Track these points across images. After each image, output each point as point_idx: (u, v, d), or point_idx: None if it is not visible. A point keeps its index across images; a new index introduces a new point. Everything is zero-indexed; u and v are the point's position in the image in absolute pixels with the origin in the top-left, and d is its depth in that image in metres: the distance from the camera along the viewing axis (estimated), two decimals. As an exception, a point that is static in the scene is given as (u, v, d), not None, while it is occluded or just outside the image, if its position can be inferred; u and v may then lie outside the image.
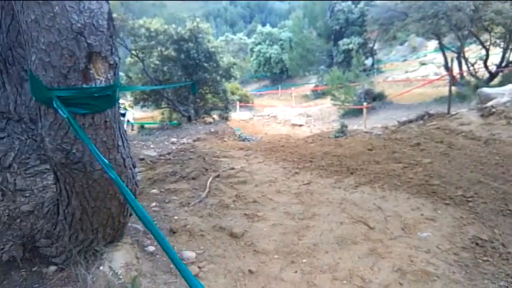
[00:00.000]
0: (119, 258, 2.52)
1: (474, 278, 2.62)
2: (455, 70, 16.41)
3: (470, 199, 3.79)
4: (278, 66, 34.44)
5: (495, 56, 16.29)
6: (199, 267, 2.78)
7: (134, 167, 2.53)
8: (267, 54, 34.49)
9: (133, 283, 2.31)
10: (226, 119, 13.76)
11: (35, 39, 1.81)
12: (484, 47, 15.79)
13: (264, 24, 42.90)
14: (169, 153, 6.34)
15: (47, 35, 1.78)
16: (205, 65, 12.46)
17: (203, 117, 13.21)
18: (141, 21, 12.42)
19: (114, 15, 11.55)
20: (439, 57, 21.37)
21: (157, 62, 12.73)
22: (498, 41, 15.45)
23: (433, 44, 24.96)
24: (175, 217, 3.56)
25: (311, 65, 29.69)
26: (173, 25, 12.61)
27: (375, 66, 28.74)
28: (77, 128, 1.88)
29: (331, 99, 17.23)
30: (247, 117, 18.47)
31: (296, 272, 2.77)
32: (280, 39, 34.72)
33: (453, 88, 12.81)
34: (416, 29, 16.92)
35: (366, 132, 8.20)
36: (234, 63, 13.80)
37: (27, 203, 2.52)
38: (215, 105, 13.98)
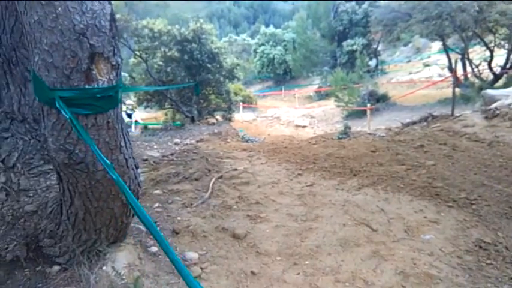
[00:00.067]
0: (122, 259, 2.52)
1: (477, 281, 2.60)
2: (460, 71, 16.35)
3: (473, 202, 3.77)
4: (281, 67, 34.44)
5: (500, 57, 16.21)
6: (201, 268, 2.77)
7: (137, 167, 2.53)
8: (271, 55, 34.50)
9: (136, 283, 2.31)
10: (230, 120, 13.76)
11: (37, 40, 1.82)
12: (488, 48, 15.71)
13: (267, 25, 42.93)
14: (172, 154, 6.35)
15: (49, 36, 1.78)
16: (209, 65, 12.48)
17: (206, 118, 13.22)
18: (144, 22, 12.44)
19: (118, 15, 11.63)
20: (443, 59, 21.30)
21: (160, 63, 12.76)
22: (503, 42, 15.36)
23: (437, 45, 24.91)
24: (178, 218, 3.56)
25: (314, 66, 29.67)
26: (177, 26, 12.64)
27: (379, 67, 28.69)
28: (79, 129, 1.88)
29: (335, 101, 17.21)
30: (251, 118, 18.49)
31: (298, 273, 2.77)
32: (284, 40, 34.72)
33: (457, 90, 12.75)
34: (420, 30, 16.87)
35: (369, 133, 8.18)
36: (238, 64, 13.81)
37: (30, 203, 2.53)
38: (218, 106, 13.99)
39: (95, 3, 1.83)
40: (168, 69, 12.55)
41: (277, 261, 2.94)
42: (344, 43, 27.32)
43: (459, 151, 5.48)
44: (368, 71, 20.81)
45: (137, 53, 12.74)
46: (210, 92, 13.68)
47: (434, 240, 3.15)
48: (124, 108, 14.26)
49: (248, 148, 7.14)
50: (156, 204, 3.88)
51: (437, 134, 6.64)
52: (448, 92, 12.89)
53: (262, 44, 35.45)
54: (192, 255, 2.92)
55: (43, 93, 1.92)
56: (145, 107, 14.22)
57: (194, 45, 12.15)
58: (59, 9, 1.75)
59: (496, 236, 3.17)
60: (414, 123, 8.60)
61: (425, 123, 8.16)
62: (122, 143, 2.24)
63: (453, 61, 12.88)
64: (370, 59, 27.33)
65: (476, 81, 15.70)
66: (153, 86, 12.45)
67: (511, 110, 7.01)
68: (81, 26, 1.79)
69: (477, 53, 18.73)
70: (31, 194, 2.53)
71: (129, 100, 14.08)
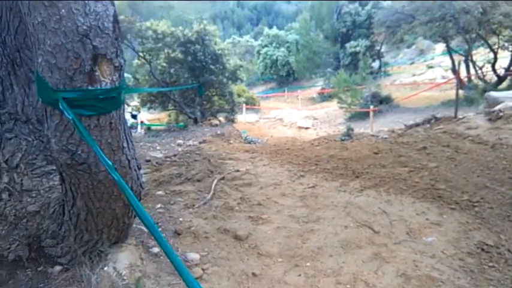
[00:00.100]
0: (123, 259, 2.53)
1: (479, 283, 2.59)
2: (463, 73, 16.30)
3: (476, 204, 3.76)
4: (285, 68, 34.42)
5: (503, 59, 16.15)
6: (203, 269, 2.78)
7: (139, 168, 2.55)
8: (274, 57, 34.50)
9: (137, 284, 2.32)
10: (233, 121, 13.77)
11: (41, 42, 1.83)
12: (492, 50, 15.65)
13: (270, 27, 42.94)
14: (175, 155, 6.36)
15: (53, 37, 1.80)
16: (212, 67, 12.50)
17: (209, 120, 13.23)
18: (148, 23, 12.47)
19: (122, 17, 11.68)
20: (446, 61, 21.24)
21: (164, 64, 12.79)
22: (506, 44, 15.30)
23: (441, 47, 24.83)
24: (180, 219, 3.57)
25: (318, 68, 29.63)
26: (180, 27, 12.66)
27: (382, 69, 28.65)
28: (81, 130, 1.90)
29: (338, 102, 17.20)
30: (254, 119, 18.51)
31: (300, 275, 2.77)
32: (287, 42, 34.71)
33: (460, 92, 12.73)
34: (423, 32, 16.84)
35: (372, 135, 8.17)
36: (241, 66, 13.82)
37: (33, 203, 2.55)
38: (221, 108, 14.00)
39: (98, 5, 1.85)
40: (172, 70, 12.58)
41: (278, 262, 2.95)
42: (347, 45, 27.30)
43: (462, 153, 5.47)
44: (371, 73, 20.82)
45: (141, 54, 12.78)
46: (213, 94, 13.70)
47: (436, 242, 3.14)
48: (129, 109, 14.32)
49: (250, 149, 7.14)
50: (158, 205, 3.89)
51: (440, 136, 6.63)
52: (452, 94, 12.88)
53: (266, 46, 35.46)
54: (194, 256, 2.92)
55: (46, 94, 1.94)
56: (149, 108, 14.27)
57: (197, 46, 12.17)
58: (63, 10, 1.76)
59: (499, 238, 3.16)
60: (417, 125, 8.59)
61: (428, 125, 8.15)
62: (125, 144, 2.25)
63: (456, 63, 12.83)
64: (373, 60, 27.33)
65: (480, 83, 15.65)
66: (156, 88, 12.49)
67: (515, 112, 6.99)
68: (85, 27, 1.81)
69: (481, 54, 18.68)
70: (34, 195, 2.55)
71: (134, 101, 14.13)
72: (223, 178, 4.88)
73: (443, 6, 14.26)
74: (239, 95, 17.60)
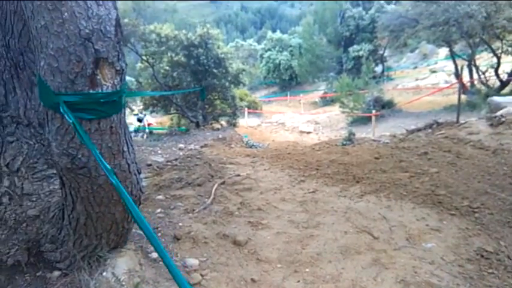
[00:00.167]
0: (122, 265, 2.53)
1: (479, 290, 2.59)
2: (466, 78, 16.28)
3: (476, 210, 3.75)
4: (287, 72, 34.48)
5: (507, 64, 16.13)
6: (201, 275, 2.78)
7: (139, 172, 2.55)
8: (277, 61, 34.57)
9: (135, 289, 2.32)
10: (234, 125, 13.77)
11: (44, 45, 1.85)
12: (495, 54, 15.63)
13: (274, 30, 43.05)
14: (176, 159, 6.37)
15: (55, 41, 1.82)
16: (215, 71, 12.52)
17: (211, 124, 13.25)
18: (152, 27, 12.52)
19: (126, 20, 11.75)
20: (450, 65, 21.23)
21: (167, 68, 12.83)
22: (510, 49, 15.27)
23: (444, 51, 24.86)
24: (180, 224, 3.58)
25: (320, 72, 29.68)
26: (183, 31, 12.70)
27: (385, 73, 28.67)
28: (81, 133, 1.91)
29: (340, 107, 17.19)
30: (256, 123, 18.52)
31: (299, 281, 2.76)
32: (290, 46, 34.78)
33: (463, 96, 12.72)
34: (427, 36, 16.85)
35: (374, 140, 8.16)
36: (243, 70, 13.84)
37: (33, 207, 2.56)
38: (223, 112, 14.02)
39: (100, 9, 1.87)
40: (175, 74, 12.62)
41: (277, 268, 2.94)
42: (350, 49, 27.33)
43: (463, 158, 5.46)
44: (374, 77, 20.78)
45: (144, 57, 12.82)
46: (216, 97, 13.73)
47: (435, 248, 3.14)
48: (135, 111, 14.37)
49: (252, 154, 7.15)
50: (158, 210, 3.90)
51: (441, 141, 6.61)
52: (454, 98, 12.83)
53: (269, 50, 35.55)
54: (193, 261, 2.93)
55: (48, 98, 1.96)
56: (151, 112, 14.29)
57: (200, 50, 12.20)
58: (66, 14, 1.78)
59: (498, 244, 3.15)
60: (419, 130, 8.56)
61: (430, 130, 8.13)
62: (125, 148, 2.26)
63: (459, 68, 12.82)
64: (377, 65, 27.31)
65: (483, 88, 15.62)
66: (158, 91, 12.52)
67: (517, 118, 6.97)
68: (87, 31, 1.82)
69: (484, 59, 18.64)
70: (34, 199, 2.56)
71: (136, 106, 14.17)
72: (223, 183, 4.89)
73: (447, 10, 14.26)
74: (241, 99, 17.62)
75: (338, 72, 27.10)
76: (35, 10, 1.82)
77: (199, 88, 12.00)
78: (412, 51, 33.38)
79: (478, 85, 16.33)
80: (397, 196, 4.22)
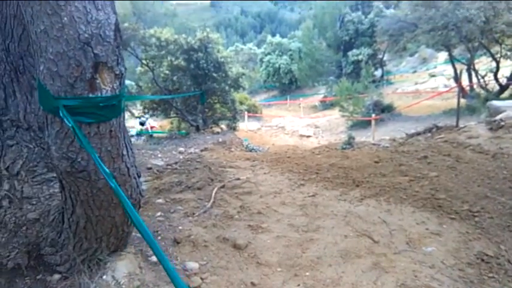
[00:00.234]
0: (122, 268, 2.53)
1: (479, 294, 2.58)
2: (465, 82, 16.32)
3: (476, 214, 3.74)
4: (287, 76, 34.58)
5: (506, 68, 16.19)
6: (201, 279, 2.77)
7: (139, 176, 2.56)
8: (276, 65, 34.68)
9: (135, 293, 2.32)
10: (234, 129, 13.78)
11: (43, 49, 1.86)
12: (494, 59, 15.70)
13: (274, 35, 43.21)
14: (176, 163, 6.37)
15: (55, 45, 1.83)
16: (214, 75, 12.54)
17: (211, 127, 13.26)
18: (152, 31, 12.56)
19: (126, 24, 11.79)
20: (449, 69, 21.30)
21: (167, 72, 12.85)
22: (509, 53, 15.35)
23: (444, 55, 24.93)
24: (180, 227, 3.57)
25: (320, 76, 29.79)
26: (183, 35, 12.74)
27: (384, 77, 28.75)
28: (81, 137, 1.92)
29: (340, 110, 17.25)
30: (255, 127, 18.55)
31: (299, 285, 2.76)
32: (290, 50, 34.90)
33: (463, 100, 12.76)
34: (426, 40, 16.94)
35: (374, 144, 8.16)
36: (243, 74, 13.86)
37: (33, 210, 2.56)
38: (223, 115, 14.03)
39: (100, 13, 1.88)
40: (174, 78, 12.63)
41: (277, 272, 2.94)
42: (350, 53, 27.45)
43: (463, 162, 5.46)
44: (373, 81, 20.85)
45: (144, 61, 12.85)
46: (215, 101, 13.74)
47: (435, 252, 3.13)
48: (136, 114, 14.35)
49: (251, 158, 7.15)
50: (158, 213, 3.89)
51: (441, 145, 6.61)
52: (454, 102, 12.88)
53: (269, 54, 35.67)
54: (193, 265, 2.92)
55: (47, 102, 1.96)
56: (151, 116, 14.31)
57: (200, 54, 12.23)
58: (65, 19, 1.79)
59: (499, 249, 3.15)
60: (418, 134, 8.58)
61: (429, 134, 8.14)
62: (124, 152, 2.27)
63: (459, 71, 12.86)
64: (376, 69, 27.42)
65: (482, 92, 15.68)
66: (158, 95, 12.53)
67: (516, 122, 6.98)
68: (86, 35, 1.84)
69: (483, 63, 18.72)
70: (34, 202, 2.56)
71: (136, 109, 14.18)
72: (223, 186, 4.88)
73: (445, 15, 14.34)
74: (241, 103, 17.66)
75: (338, 76, 27.22)
76: (34, 15, 1.83)
77: (199, 92, 12.02)
78: (411, 55, 33.49)
79: (477, 89, 16.39)
80: (397, 200, 4.22)
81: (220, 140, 10.77)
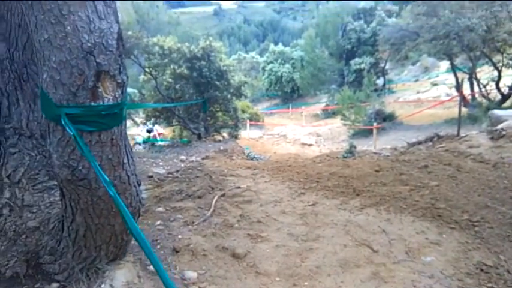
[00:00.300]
0: (121, 277, 2.54)
1: (478, 305, 2.57)
2: (467, 91, 16.33)
3: (476, 223, 3.74)
4: (289, 85, 34.69)
5: (508, 77, 16.20)
6: (200, 288, 2.78)
7: (139, 184, 2.57)
8: (279, 73, 34.81)
9: (133, 301, 2.32)
10: (236, 137, 13.80)
11: (46, 58, 1.89)
12: (496, 68, 15.70)
13: (276, 43, 43.42)
14: (177, 171, 6.38)
15: (58, 54, 1.86)
16: (217, 83, 12.60)
17: (213, 135, 13.28)
18: (155, 39, 12.65)
19: (129, 32, 11.88)
20: (451, 78, 21.33)
21: (170, 80, 12.91)
22: (511, 62, 15.36)
23: (446, 64, 24.96)
24: (179, 236, 3.57)
25: (322, 84, 29.89)
26: (187, 43, 12.83)
27: (386, 86, 28.78)
28: (82, 145, 1.94)
29: (342, 119, 17.27)
30: (257, 135, 18.57)
31: (297, 294, 2.76)
32: (292, 58, 35.05)
33: (464, 110, 12.75)
34: (428, 49, 16.97)
35: (375, 153, 8.16)
36: (245, 82, 13.92)
37: (33, 218, 2.57)
38: (225, 123, 14.06)
39: (102, 23, 1.91)
40: (177, 86, 12.69)
41: (276, 281, 2.94)
42: (352, 62, 27.53)
43: (463, 172, 5.45)
44: (375, 90, 20.91)
45: (147, 70, 12.93)
46: (217, 109, 13.78)
47: (435, 262, 3.13)
48: (139, 121, 14.37)
49: (253, 166, 7.16)
50: (158, 222, 3.90)
51: (442, 154, 6.61)
52: (455, 111, 12.85)
53: (271, 62, 35.82)
54: (191, 274, 2.92)
55: (50, 110, 1.99)
56: (153, 124, 14.36)
57: (203, 62, 12.30)
58: (68, 28, 1.83)
59: (498, 259, 3.14)
60: (420, 143, 8.57)
61: (430, 143, 8.13)
62: (125, 160, 2.29)
63: (460, 80, 12.88)
64: (378, 77, 27.48)
65: (484, 101, 15.66)
66: (160, 103, 12.58)
67: (517, 131, 6.97)
68: (89, 44, 1.87)
69: (485, 72, 18.74)
70: (34, 210, 2.58)
71: (139, 117, 14.21)
72: (224, 195, 4.89)
73: (447, 24, 14.38)
74: (243, 111, 17.70)
75: (340, 84, 27.28)
76: (38, 24, 1.86)
77: (201, 100, 12.07)
78: (413, 64, 33.52)
79: (479, 98, 16.37)
80: (397, 209, 4.22)
81: (221, 148, 10.78)
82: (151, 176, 6.01)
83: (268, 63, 36.00)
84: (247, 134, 17.53)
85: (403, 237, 3.58)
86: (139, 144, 13.32)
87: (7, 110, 2.74)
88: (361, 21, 28.38)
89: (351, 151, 8.73)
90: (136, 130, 14.34)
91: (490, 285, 2.80)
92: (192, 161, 8.10)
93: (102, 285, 2.41)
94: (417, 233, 3.64)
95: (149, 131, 13.67)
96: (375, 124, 13.82)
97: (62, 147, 2.09)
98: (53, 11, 1.80)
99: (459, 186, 4.85)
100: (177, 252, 3.25)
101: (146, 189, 5.15)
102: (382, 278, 2.91)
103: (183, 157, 8.78)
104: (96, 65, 1.91)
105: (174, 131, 15.26)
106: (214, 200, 4.56)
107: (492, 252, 3.25)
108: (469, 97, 16.47)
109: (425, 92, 25.34)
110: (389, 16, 28.41)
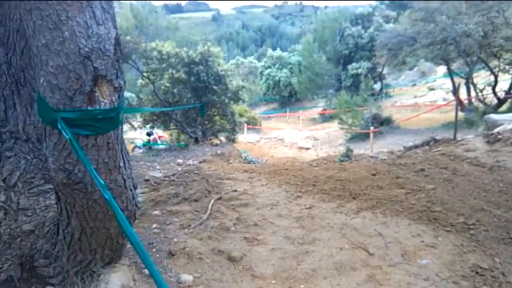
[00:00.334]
0: (116, 280, 2.53)
1: (473, 308, 2.58)
2: (464, 96, 16.42)
3: (472, 226, 3.75)
4: (287, 89, 34.83)
5: (504, 82, 16.30)
6: (195, 291, 2.78)
7: (135, 188, 2.58)
8: (276, 78, 34.96)
9: (128, 304, 2.32)
10: (233, 141, 13.80)
11: (44, 63, 1.90)
12: (492, 73, 15.81)
13: (274, 48, 43.61)
14: (174, 175, 6.38)
15: (55, 59, 1.87)
16: (215, 87, 12.62)
17: (210, 139, 13.28)
18: (153, 44, 12.67)
19: (128, 37, 11.90)
20: (448, 83, 21.44)
21: (167, 84, 12.92)
22: (507, 67, 15.47)
23: (443, 69, 25.09)
24: (175, 239, 3.58)
25: (320, 89, 30.01)
26: (185, 48, 12.86)
27: (384, 90, 28.91)
28: (77, 149, 1.95)
29: (339, 123, 17.33)
30: (255, 139, 18.60)
31: (293, 297, 2.76)
32: (290, 63, 35.22)
33: (461, 114, 12.82)
34: (425, 54, 17.09)
35: (371, 156, 8.18)
36: (243, 86, 13.94)
37: (28, 222, 2.57)
38: (223, 127, 14.07)
39: (100, 28, 1.92)
40: (175, 90, 12.70)
41: (272, 284, 2.94)
42: (349, 66, 27.68)
43: (459, 175, 5.48)
44: (372, 94, 21.02)
45: (145, 74, 12.95)
46: (215, 113, 13.80)
47: (430, 265, 3.14)
48: (136, 125, 14.35)
49: (250, 169, 7.16)
50: (154, 225, 3.90)
51: (438, 158, 6.64)
52: (452, 115, 12.94)
53: (269, 67, 35.97)
54: (187, 277, 2.92)
55: (46, 114, 2.00)
56: (151, 128, 14.36)
57: (201, 67, 12.32)
58: (66, 33, 1.84)
59: (493, 261, 3.15)
60: (416, 146, 8.61)
61: (427, 147, 8.17)
62: (121, 164, 2.30)
63: (457, 85, 12.96)
64: (375, 82, 27.62)
65: (480, 105, 15.75)
66: (158, 107, 12.59)
67: (513, 135, 7.01)
68: (87, 49, 1.88)
69: (482, 77, 18.88)
70: (30, 213, 2.58)
71: (137, 121, 14.19)
72: (220, 198, 4.90)
73: (444, 29, 14.49)
74: (241, 115, 17.73)
75: (337, 89, 27.40)
76: (36, 29, 1.87)
77: (199, 104, 12.08)
78: (410, 69, 33.71)
79: (475, 103, 16.47)
80: (393, 212, 4.23)
81: (219, 151, 10.78)
82: (148, 180, 6.01)
83: (266, 68, 36.15)
84: (244, 137, 17.54)
85: (399, 240, 3.59)
86: (139, 147, 13.31)
87: (4, 114, 2.75)
88: (359, 27, 28.55)
89: (347, 155, 8.75)
90: (134, 134, 14.31)
91: (485, 287, 2.81)
92: (189, 165, 8.10)
93: (97, 289, 2.41)
94: (413, 236, 3.65)
95: (149, 134, 13.66)
96: (371, 128, 13.86)
97: (58, 151, 2.10)
98: (51, 16, 1.82)
99: (455, 190, 4.87)
100: (172, 255, 3.25)
101: (142, 193, 5.14)
102: (378, 281, 2.92)
103: (180, 161, 8.78)
104: (94, 70, 1.92)
105: (171, 135, 15.25)
106: (211, 204, 4.57)
107: (487, 255, 3.26)
108: (466, 101, 16.56)
109: (422, 97, 25.46)
110: (387, 22, 28.61)
